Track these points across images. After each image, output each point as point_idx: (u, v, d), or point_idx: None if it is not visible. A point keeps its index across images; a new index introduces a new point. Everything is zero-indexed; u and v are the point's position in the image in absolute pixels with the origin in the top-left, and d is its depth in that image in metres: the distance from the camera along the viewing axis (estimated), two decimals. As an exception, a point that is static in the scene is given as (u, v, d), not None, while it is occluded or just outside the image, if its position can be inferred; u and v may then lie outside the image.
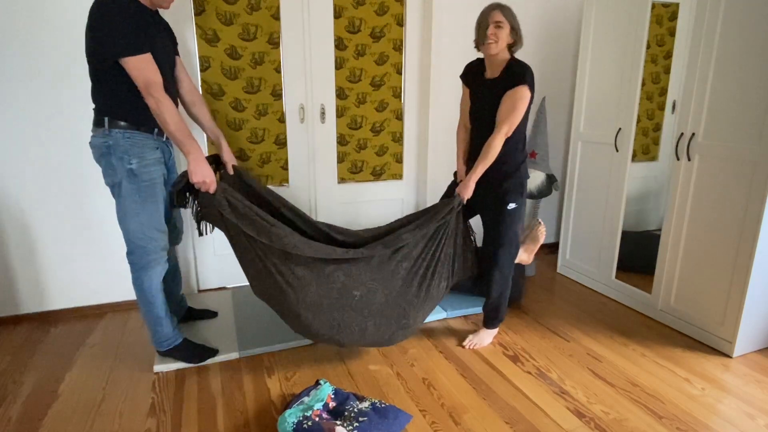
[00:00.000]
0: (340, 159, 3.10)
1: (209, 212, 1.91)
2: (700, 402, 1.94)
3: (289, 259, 1.87)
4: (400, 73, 3.10)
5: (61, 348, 2.32)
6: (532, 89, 1.96)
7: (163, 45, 1.87)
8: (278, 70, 2.81)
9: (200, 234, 2.00)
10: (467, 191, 2.08)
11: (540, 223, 2.48)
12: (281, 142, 2.93)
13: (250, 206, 1.88)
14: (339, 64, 2.94)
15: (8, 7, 2.22)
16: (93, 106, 1.85)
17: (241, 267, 1.97)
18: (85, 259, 2.59)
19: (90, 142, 1.87)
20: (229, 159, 2.12)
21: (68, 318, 2.62)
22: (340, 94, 2.99)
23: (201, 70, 2.66)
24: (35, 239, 2.48)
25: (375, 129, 3.14)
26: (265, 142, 2.89)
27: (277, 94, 2.85)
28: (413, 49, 3.08)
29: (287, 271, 1.87)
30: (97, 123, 1.83)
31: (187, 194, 1.95)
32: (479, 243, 2.37)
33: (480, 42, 2.01)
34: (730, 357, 2.25)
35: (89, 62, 1.77)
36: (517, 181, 2.09)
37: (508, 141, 2.04)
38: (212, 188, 1.87)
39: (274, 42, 2.77)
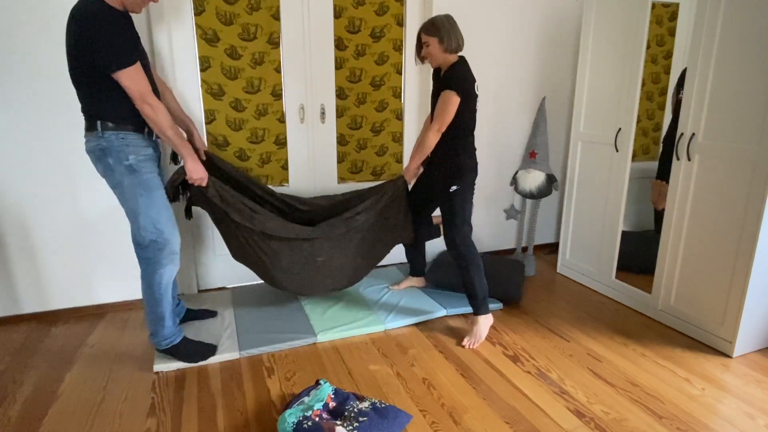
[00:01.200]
0: (340, 159, 3.10)
1: (199, 200, 2.17)
2: (700, 402, 1.94)
3: (266, 237, 2.25)
4: (400, 73, 3.10)
5: (61, 348, 2.32)
6: (460, 93, 2.15)
7: (141, 47, 1.89)
8: (278, 70, 2.81)
9: (189, 217, 2.28)
10: (409, 175, 2.41)
11: None
12: (281, 142, 2.93)
13: (236, 195, 2.17)
14: (339, 64, 2.94)
15: (9, 7, 2.22)
16: (83, 112, 1.84)
17: (223, 239, 2.34)
18: (85, 259, 2.59)
19: (86, 149, 1.88)
20: (201, 145, 2.26)
21: (68, 318, 2.62)
22: (340, 94, 2.99)
23: (201, 70, 2.67)
24: (35, 239, 2.48)
25: (375, 129, 3.14)
26: (265, 142, 2.89)
27: (277, 94, 2.85)
28: (413, 49, 3.08)
29: (265, 246, 2.26)
30: (90, 127, 1.84)
31: (180, 188, 2.13)
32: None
33: (421, 61, 2.31)
34: (730, 357, 2.25)
35: (78, 74, 1.77)
36: (455, 169, 2.30)
37: (447, 133, 2.25)
38: (205, 183, 2.07)
39: (274, 42, 2.77)
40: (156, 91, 1.93)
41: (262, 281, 2.94)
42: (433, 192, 2.47)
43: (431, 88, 2.39)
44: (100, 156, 1.85)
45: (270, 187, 2.45)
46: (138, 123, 1.86)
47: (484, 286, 2.37)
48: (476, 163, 2.36)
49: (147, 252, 1.97)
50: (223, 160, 2.38)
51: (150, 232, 1.93)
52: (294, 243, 2.29)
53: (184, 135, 2.23)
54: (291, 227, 2.26)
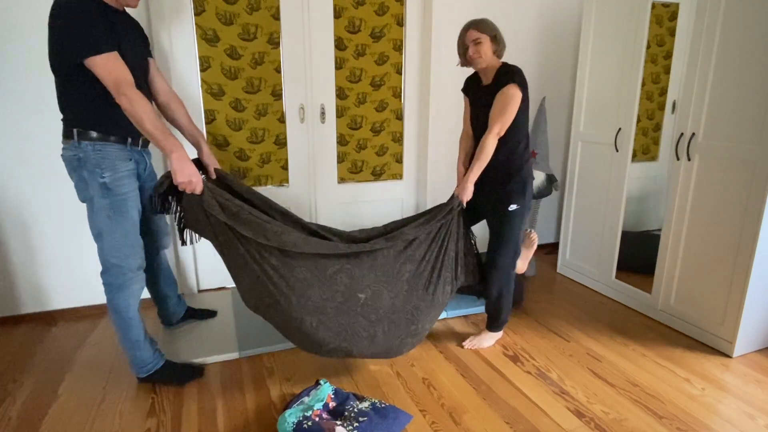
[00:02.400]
0: (340, 159, 3.10)
1: (195, 217, 1.78)
2: (700, 402, 1.94)
3: (288, 259, 1.78)
4: (400, 73, 3.10)
5: (61, 348, 2.32)
6: (522, 88, 1.98)
7: (132, 45, 1.78)
8: (278, 70, 2.81)
9: (183, 243, 1.89)
10: (465, 193, 2.08)
11: (532, 231, 2.49)
12: (281, 142, 2.93)
13: (241, 205, 1.77)
14: (339, 64, 2.94)
15: (9, 6, 2.22)
16: (61, 116, 1.76)
17: (232, 277, 1.84)
18: (85, 259, 2.59)
19: (61, 155, 1.77)
20: (211, 162, 2.00)
21: (68, 318, 2.62)
22: (340, 94, 2.99)
23: (201, 70, 2.66)
24: (35, 239, 2.48)
25: (375, 129, 3.14)
26: (265, 142, 2.89)
27: (277, 94, 2.85)
28: (413, 49, 3.08)
29: (287, 273, 1.77)
30: (67, 135, 1.73)
31: (170, 198, 1.81)
32: (483, 248, 2.36)
33: (464, 63, 2.09)
34: (730, 357, 2.25)
35: (53, 68, 1.67)
36: (519, 183, 2.09)
37: (507, 142, 2.06)
38: (198, 188, 1.74)
39: (274, 42, 2.77)
40: (146, 95, 1.82)
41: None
42: (482, 210, 2.20)
43: (464, 101, 2.22)
44: (75, 167, 1.74)
45: (296, 214, 2.09)
46: (119, 131, 1.75)
47: (508, 314, 2.32)
48: (533, 176, 2.14)
49: (109, 276, 1.84)
50: (238, 181, 1.99)
51: (113, 256, 1.81)
52: (325, 270, 1.82)
53: (198, 138, 2.07)
54: (316, 241, 1.81)
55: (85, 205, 2.47)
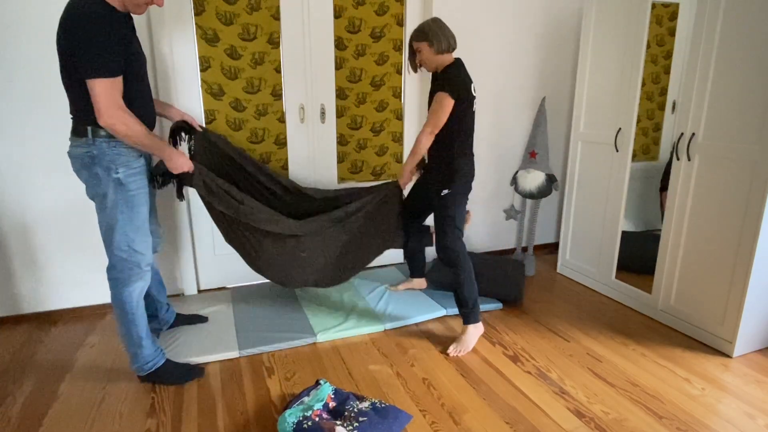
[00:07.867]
0: (340, 159, 3.10)
1: (186, 181, 2.11)
2: (700, 402, 1.94)
3: (252, 227, 2.25)
4: (400, 73, 3.10)
5: (61, 348, 2.32)
6: (454, 95, 2.13)
7: (137, 46, 1.80)
8: (278, 70, 2.81)
9: (182, 199, 2.13)
10: (402, 179, 2.40)
11: (468, 210, 2.62)
12: (281, 142, 2.93)
13: (221, 185, 2.13)
14: (339, 64, 2.94)
15: (17, 4, 2.22)
16: (72, 114, 1.76)
17: (214, 222, 2.30)
18: (86, 259, 2.59)
19: (69, 152, 1.78)
20: (188, 119, 2.23)
21: (68, 318, 2.62)
22: (340, 94, 2.99)
23: (201, 70, 2.66)
24: (35, 239, 2.48)
25: (375, 129, 3.14)
26: (265, 142, 2.89)
27: (277, 94, 2.85)
28: (413, 49, 3.08)
29: (251, 236, 2.27)
30: (79, 132, 1.74)
31: (165, 176, 2.05)
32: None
33: (415, 70, 2.30)
34: (730, 357, 2.25)
35: (67, 74, 1.68)
36: (448, 172, 2.26)
37: (443, 138, 2.22)
38: (191, 170, 1.99)
39: (274, 42, 2.77)
40: (148, 93, 1.86)
41: (261, 281, 3.00)
42: (428, 197, 2.43)
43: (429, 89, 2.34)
44: (87, 164, 1.75)
45: (262, 164, 2.48)
46: None
47: (474, 293, 2.30)
48: (472, 170, 2.30)
49: (115, 271, 1.87)
50: (221, 137, 2.35)
51: (123, 251, 1.84)
52: (279, 235, 2.27)
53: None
54: (276, 221, 2.23)
55: (85, 203, 2.50)
